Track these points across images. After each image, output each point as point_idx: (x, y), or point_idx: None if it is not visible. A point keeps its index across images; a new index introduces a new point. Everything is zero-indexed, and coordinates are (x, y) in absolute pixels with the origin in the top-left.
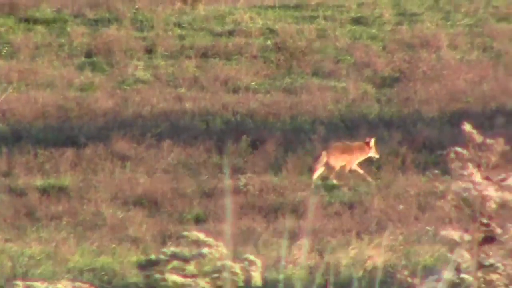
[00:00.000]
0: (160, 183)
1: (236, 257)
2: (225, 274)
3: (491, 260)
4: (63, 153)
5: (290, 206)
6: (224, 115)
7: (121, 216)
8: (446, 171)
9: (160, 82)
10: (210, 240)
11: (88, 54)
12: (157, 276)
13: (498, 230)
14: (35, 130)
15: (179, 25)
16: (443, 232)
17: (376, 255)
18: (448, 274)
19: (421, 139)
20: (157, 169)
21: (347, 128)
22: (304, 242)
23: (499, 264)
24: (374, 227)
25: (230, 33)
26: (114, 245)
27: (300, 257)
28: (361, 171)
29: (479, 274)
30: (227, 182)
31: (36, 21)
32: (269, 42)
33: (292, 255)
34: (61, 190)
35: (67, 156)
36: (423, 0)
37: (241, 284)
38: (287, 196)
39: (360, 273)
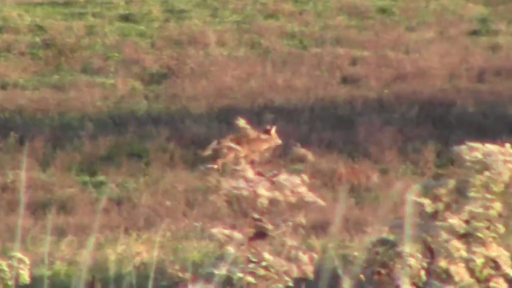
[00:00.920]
0: None
1: (4, 255)
2: None
3: (265, 255)
4: None
5: (58, 202)
6: None
7: None
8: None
9: None
10: None
11: None
12: None
13: (269, 226)
14: None
15: None
16: (213, 230)
17: (144, 251)
18: (219, 270)
19: (189, 135)
20: None
21: (115, 124)
22: (72, 239)
23: (270, 260)
24: (142, 223)
25: None
26: None
27: (68, 253)
28: None
29: (250, 269)
30: None
31: None
32: (37, 39)
33: (61, 251)
34: None
35: None
36: None
37: (9, 282)
38: (55, 193)
39: (128, 268)
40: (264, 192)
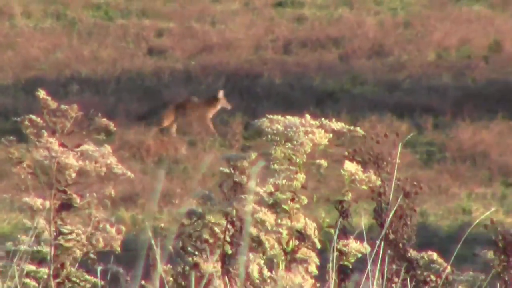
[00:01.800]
0: None
1: None
2: None
3: (68, 227)
4: None
5: None
6: None
7: None
8: (22, 139)
9: None
10: None
11: None
12: None
13: (76, 198)
14: None
15: None
16: (24, 199)
17: None
18: (27, 242)
19: None
20: None
21: None
22: None
23: (76, 231)
24: None
25: None
26: None
27: None
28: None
29: (58, 241)
30: None
31: None
32: None
33: None
34: None
35: None
36: None
37: None
38: None
39: None
40: (73, 162)
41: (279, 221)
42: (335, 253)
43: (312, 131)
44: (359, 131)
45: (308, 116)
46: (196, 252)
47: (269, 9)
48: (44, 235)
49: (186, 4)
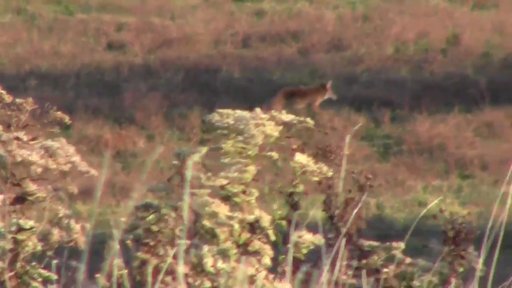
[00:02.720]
0: None
1: None
2: None
3: (23, 222)
4: None
5: None
6: None
7: None
8: None
9: None
10: None
11: None
12: None
13: (32, 191)
14: None
15: None
16: None
17: None
18: None
19: None
20: None
21: None
22: None
23: (31, 224)
24: None
25: None
26: None
27: None
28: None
29: (12, 235)
30: None
31: None
32: None
33: None
34: None
35: None
36: None
37: None
38: None
39: None
40: (36, 159)
41: (231, 214)
42: (290, 245)
43: (263, 124)
44: (309, 122)
45: (258, 109)
46: (152, 244)
47: (229, 3)
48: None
49: None
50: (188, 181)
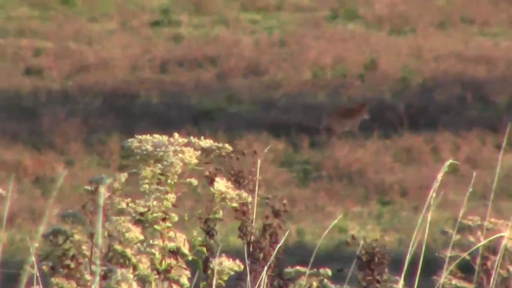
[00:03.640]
0: None
1: None
2: None
3: None
4: None
5: None
6: None
7: None
8: None
9: None
10: None
11: None
12: None
13: None
14: None
15: None
16: None
17: None
18: None
19: None
20: None
21: None
22: None
23: None
24: None
25: None
26: None
27: None
28: None
29: None
30: None
31: None
32: None
33: None
34: None
35: None
36: None
37: None
38: None
39: None
40: None
41: (150, 241)
42: (209, 272)
43: (182, 151)
44: (228, 148)
45: (176, 135)
46: (66, 272)
47: (146, 28)
48: None
49: (63, 24)
50: (101, 207)
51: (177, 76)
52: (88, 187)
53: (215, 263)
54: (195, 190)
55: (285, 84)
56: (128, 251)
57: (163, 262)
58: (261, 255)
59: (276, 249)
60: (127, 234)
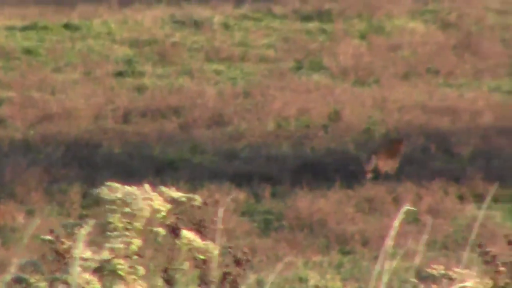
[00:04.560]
0: None
1: None
2: None
3: None
4: None
5: None
6: None
7: None
8: None
9: None
10: None
11: None
12: None
13: None
14: None
15: None
16: None
17: None
18: None
19: None
20: None
21: None
22: None
23: None
24: None
25: None
26: None
27: None
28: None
29: None
30: None
31: None
32: None
33: None
34: None
35: None
36: None
37: None
38: None
39: None
40: None
41: None
42: None
43: (151, 198)
44: (198, 199)
45: (147, 186)
46: None
47: (110, 78)
48: None
49: (26, 73)
50: (76, 255)
51: (140, 126)
52: (49, 237)
53: None
54: (156, 239)
55: (249, 135)
56: None
57: None
58: None
59: None
60: (87, 287)
